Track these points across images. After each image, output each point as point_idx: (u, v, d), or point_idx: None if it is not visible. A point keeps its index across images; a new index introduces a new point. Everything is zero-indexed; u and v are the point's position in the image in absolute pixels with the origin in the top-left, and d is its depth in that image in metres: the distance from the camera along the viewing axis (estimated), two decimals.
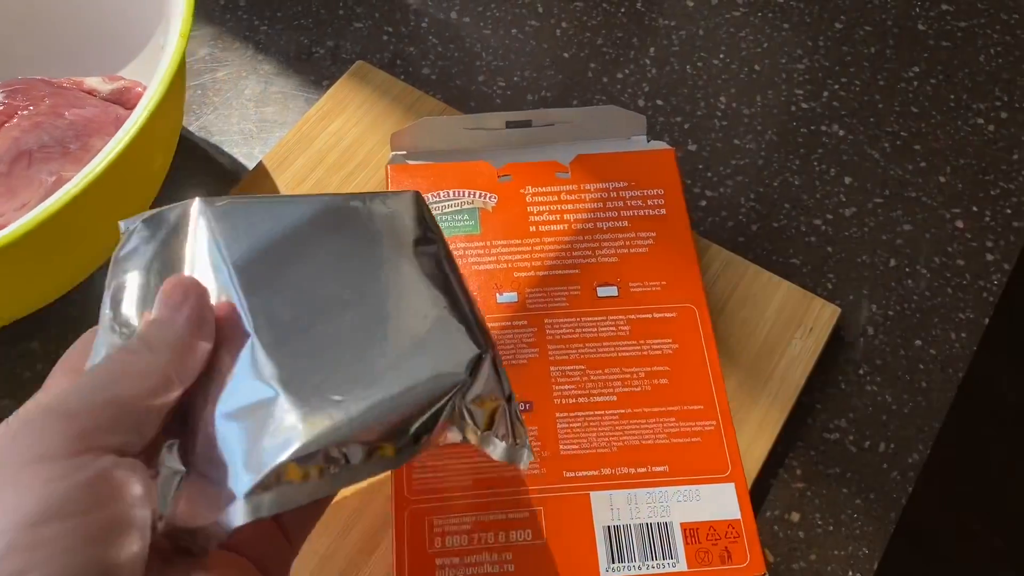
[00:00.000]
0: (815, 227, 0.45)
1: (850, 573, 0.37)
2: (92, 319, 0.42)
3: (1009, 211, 0.45)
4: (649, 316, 0.38)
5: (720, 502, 0.34)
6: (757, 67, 0.51)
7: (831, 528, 0.38)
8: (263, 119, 0.49)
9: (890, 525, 0.38)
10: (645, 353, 0.37)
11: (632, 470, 0.34)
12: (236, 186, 0.45)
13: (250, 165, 0.47)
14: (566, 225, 0.40)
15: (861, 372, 0.41)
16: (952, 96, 0.49)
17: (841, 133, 0.48)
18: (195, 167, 0.47)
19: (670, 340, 0.37)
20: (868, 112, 0.49)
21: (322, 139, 0.46)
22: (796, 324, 0.40)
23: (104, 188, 0.36)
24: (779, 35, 0.52)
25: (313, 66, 0.51)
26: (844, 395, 0.41)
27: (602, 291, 0.38)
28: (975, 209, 0.46)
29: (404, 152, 0.42)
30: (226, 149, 0.48)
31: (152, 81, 0.36)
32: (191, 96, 0.50)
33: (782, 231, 0.45)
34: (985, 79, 0.50)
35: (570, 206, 0.40)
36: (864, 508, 0.38)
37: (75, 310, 0.43)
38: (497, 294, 0.38)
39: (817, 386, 0.41)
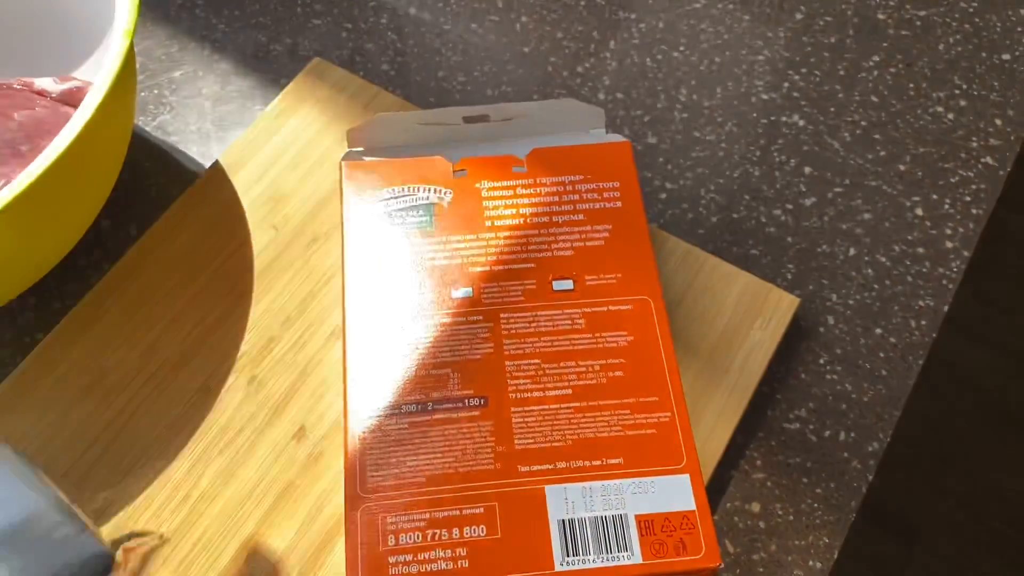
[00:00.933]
0: (775, 217, 0.45)
1: (811, 563, 0.37)
2: (47, 323, 0.42)
3: (968, 198, 0.45)
4: (605, 309, 0.37)
5: (675, 493, 0.33)
6: (717, 59, 0.50)
7: (791, 518, 0.37)
8: (221, 118, 0.48)
9: (850, 514, 0.38)
10: (600, 345, 0.36)
11: (587, 463, 0.34)
12: (192, 185, 0.44)
13: (207, 164, 0.47)
14: (522, 219, 0.40)
15: (821, 361, 0.41)
16: (912, 85, 0.49)
17: (801, 123, 0.48)
18: (152, 167, 0.47)
19: (625, 332, 0.37)
20: (828, 102, 0.49)
21: (279, 137, 0.45)
22: (755, 314, 0.40)
23: (52, 189, 0.35)
24: (739, 26, 0.52)
25: (271, 64, 0.50)
26: (804, 384, 0.41)
27: (558, 284, 0.38)
28: (935, 197, 0.46)
29: (361, 149, 0.42)
30: (183, 148, 0.47)
31: (97, 79, 0.36)
32: (147, 96, 0.49)
33: (742, 222, 0.45)
34: (944, 68, 0.50)
35: (526, 200, 0.40)
36: (824, 497, 0.38)
37: (30, 312, 0.43)
38: (451, 290, 0.38)
39: (777, 376, 0.41)
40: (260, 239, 0.43)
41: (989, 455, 1.16)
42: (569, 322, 0.37)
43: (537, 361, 0.36)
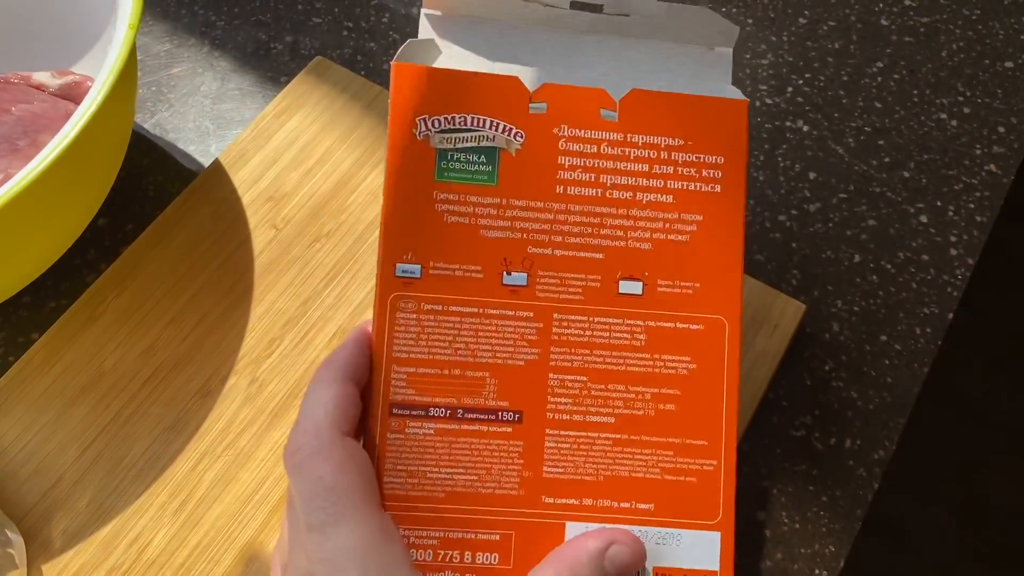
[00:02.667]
0: (780, 223, 0.45)
1: (817, 571, 0.36)
2: (43, 321, 0.41)
3: (972, 205, 0.45)
4: (672, 326, 0.32)
5: (702, 551, 0.31)
6: None
7: (797, 526, 0.37)
8: (220, 116, 0.48)
9: (856, 522, 0.37)
10: (658, 371, 0.32)
11: (615, 503, 0.31)
12: (191, 184, 0.44)
13: (206, 162, 0.46)
14: (600, 190, 0.32)
15: (827, 368, 0.41)
16: (915, 91, 0.49)
17: (805, 129, 0.48)
18: (150, 165, 0.46)
19: (688, 359, 0.32)
20: (832, 108, 0.49)
21: (279, 136, 0.45)
22: (761, 321, 0.40)
23: (51, 186, 0.34)
24: (743, 31, 0.51)
25: (271, 62, 0.50)
26: (810, 391, 0.40)
27: (624, 286, 0.32)
28: (939, 204, 0.46)
29: (439, 12, 0.33)
30: (182, 146, 0.47)
31: (100, 74, 0.35)
32: (146, 93, 0.49)
33: (747, 228, 0.45)
34: (948, 74, 0.50)
35: (610, 163, 0.33)
36: (830, 505, 0.38)
37: (25, 311, 0.42)
38: (504, 273, 0.32)
39: (783, 383, 0.40)
40: (260, 239, 0.42)
41: (979, 463, 1.16)
42: (628, 336, 0.32)
43: (584, 378, 0.32)
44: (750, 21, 0.52)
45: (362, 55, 0.50)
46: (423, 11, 0.33)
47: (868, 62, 0.50)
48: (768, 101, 0.49)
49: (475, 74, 0.32)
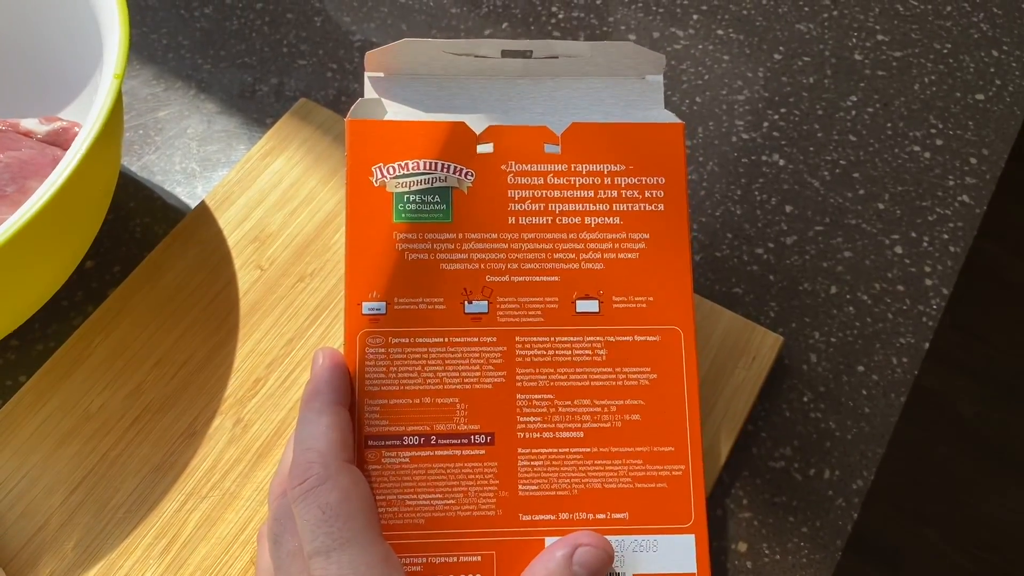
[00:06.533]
0: (757, 256, 0.46)
1: None
2: (29, 365, 0.41)
3: (946, 236, 0.46)
4: (630, 339, 0.34)
5: (677, 554, 0.32)
6: (698, 99, 0.51)
7: (778, 557, 0.38)
8: (206, 158, 0.49)
9: (836, 552, 0.38)
10: (620, 383, 0.33)
11: (590, 515, 0.32)
12: (178, 225, 0.44)
13: (193, 204, 0.47)
14: (550, 218, 0.34)
15: (805, 399, 0.41)
16: (889, 124, 0.50)
17: (781, 163, 0.49)
18: (137, 207, 0.47)
19: (649, 369, 0.33)
20: (807, 141, 0.50)
21: (264, 177, 0.45)
22: (740, 353, 0.41)
23: (40, 230, 0.35)
24: (719, 67, 0.52)
25: (257, 104, 0.51)
26: (788, 423, 0.41)
27: (582, 305, 0.34)
28: (913, 235, 0.46)
29: (381, 74, 0.35)
30: (168, 188, 0.48)
31: (86, 121, 0.36)
32: (133, 136, 0.49)
33: (724, 260, 0.45)
34: (920, 107, 0.51)
35: (557, 193, 0.35)
36: (810, 536, 0.38)
37: (12, 354, 0.42)
38: (465, 303, 0.33)
39: (762, 414, 0.41)
40: (246, 279, 0.43)
41: (970, 483, 1.17)
42: (589, 352, 0.33)
43: (550, 396, 0.33)
44: (726, 57, 0.53)
45: (346, 96, 0.51)
46: (366, 74, 0.35)
47: (842, 96, 0.51)
48: (744, 136, 0.50)
49: (423, 123, 0.34)
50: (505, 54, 0.35)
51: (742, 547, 0.38)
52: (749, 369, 0.40)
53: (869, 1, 0.55)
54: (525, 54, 0.35)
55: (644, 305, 0.34)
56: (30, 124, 0.43)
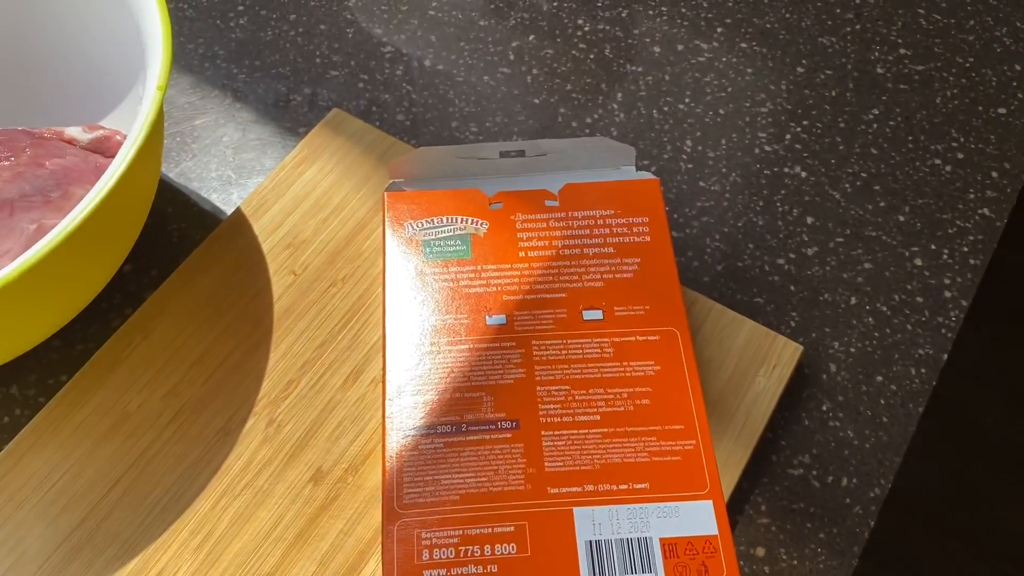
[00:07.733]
0: (778, 266, 0.46)
1: None
2: (72, 363, 0.43)
3: (966, 248, 0.47)
4: (633, 339, 0.39)
5: (698, 518, 0.35)
6: (722, 111, 0.52)
7: (795, 563, 0.38)
8: (241, 165, 0.50)
9: (853, 559, 0.39)
10: (628, 374, 0.38)
11: (614, 487, 0.35)
12: (214, 231, 0.46)
13: (228, 210, 0.48)
14: (554, 251, 0.41)
15: (824, 408, 0.42)
16: (910, 138, 0.51)
17: (803, 175, 0.50)
18: (175, 213, 0.48)
19: (652, 362, 0.38)
20: (829, 154, 0.50)
21: (298, 186, 0.47)
22: (760, 362, 0.42)
23: (86, 236, 0.37)
24: (742, 80, 0.53)
25: (290, 113, 0.52)
26: (807, 431, 0.42)
27: (588, 314, 0.39)
28: (933, 247, 0.47)
29: (402, 180, 0.44)
30: (205, 195, 0.49)
31: (131, 132, 0.37)
32: (170, 143, 0.51)
33: (746, 270, 0.46)
34: (942, 120, 0.52)
35: (558, 232, 0.42)
36: (827, 542, 0.39)
37: (55, 354, 0.44)
38: (487, 316, 0.39)
39: (781, 423, 0.42)
40: (279, 284, 0.44)
41: (989, 492, 1.16)
42: (598, 350, 0.39)
43: (567, 387, 0.38)
44: (749, 71, 0.54)
45: (377, 106, 0.52)
46: (390, 180, 0.44)
47: (864, 109, 0.52)
48: (767, 148, 0.51)
49: (445, 192, 0.43)
50: (503, 155, 0.44)
51: (760, 552, 0.39)
52: (769, 377, 0.41)
53: (892, 15, 0.56)
54: (520, 153, 0.44)
55: (642, 312, 0.40)
56: (74, 132, 0.45)
